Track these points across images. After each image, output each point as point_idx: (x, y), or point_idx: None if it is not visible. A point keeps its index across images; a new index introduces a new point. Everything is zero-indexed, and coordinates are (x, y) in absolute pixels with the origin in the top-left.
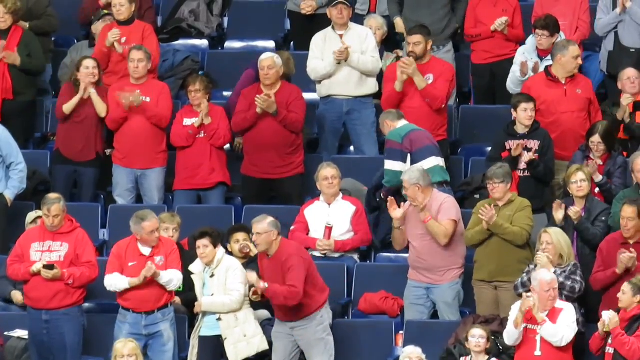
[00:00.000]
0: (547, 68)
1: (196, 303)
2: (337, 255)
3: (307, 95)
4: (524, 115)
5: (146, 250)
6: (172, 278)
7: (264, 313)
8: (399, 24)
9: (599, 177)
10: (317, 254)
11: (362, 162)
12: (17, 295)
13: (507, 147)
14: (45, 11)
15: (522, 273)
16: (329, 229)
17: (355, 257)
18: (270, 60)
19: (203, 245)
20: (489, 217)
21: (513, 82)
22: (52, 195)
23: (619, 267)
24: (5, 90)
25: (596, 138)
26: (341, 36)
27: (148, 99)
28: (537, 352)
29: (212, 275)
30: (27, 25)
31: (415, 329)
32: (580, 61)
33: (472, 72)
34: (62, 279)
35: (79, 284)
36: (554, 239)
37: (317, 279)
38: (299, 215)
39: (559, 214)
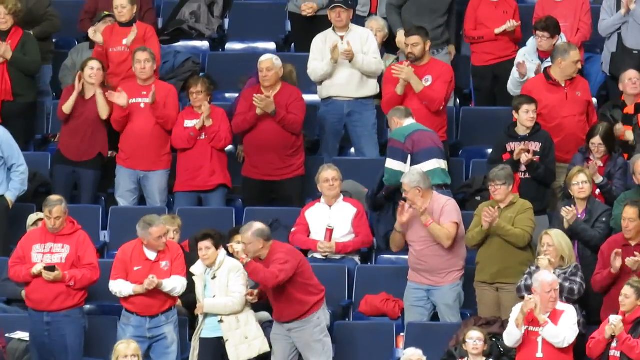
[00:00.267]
0: (546, 70)
1: (198, 305)
2: (338, 257)
3: (308, 97)
4: (525, 117)
5: (152, 255)
6: (175, 286)
7: (265, 315)
8: (401, 37)
9: (599, 179)
10: (318, 255)
11: (363, 164)
12: None
13: (508, 149)
14: (46, 12)
15: (523, 275)
16: (329, 231)
17: (356, 259)
18: (269, 62)
19: (205, 247)
20: (492, 219)
21: (513, 84)
22: (54, 197)
23: (613, 267)
24: (4, 91)
25: (597, 139)
26: (342, 38)
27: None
28: (539, 354)
29: (213, 277)
30: (32, 33)
31: (416, 331)
32: (579, 66)
33: (472, 74)
34: (63, 281)
35: (80, 285)
36: (555, 241)
37: (311, 279)
38: (299, 217)
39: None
